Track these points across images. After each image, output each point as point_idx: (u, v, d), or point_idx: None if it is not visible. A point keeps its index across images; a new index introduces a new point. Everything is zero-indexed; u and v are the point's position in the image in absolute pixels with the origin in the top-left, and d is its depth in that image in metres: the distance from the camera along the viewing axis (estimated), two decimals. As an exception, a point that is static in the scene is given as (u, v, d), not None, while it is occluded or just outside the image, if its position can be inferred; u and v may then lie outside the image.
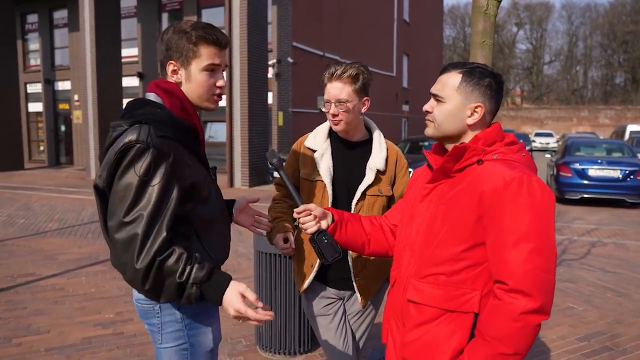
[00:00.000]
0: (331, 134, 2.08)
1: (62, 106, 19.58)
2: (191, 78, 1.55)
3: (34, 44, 20.06)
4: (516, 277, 1.22)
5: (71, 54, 18.62)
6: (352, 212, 1.98)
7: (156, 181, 1.36)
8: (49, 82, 19.55)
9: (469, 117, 1.38)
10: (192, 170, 1.48)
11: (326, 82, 1.94)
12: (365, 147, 2.04)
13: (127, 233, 1.33)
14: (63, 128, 19.81)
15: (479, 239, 1.30)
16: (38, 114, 20.14)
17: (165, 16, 16.80)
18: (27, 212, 9.07)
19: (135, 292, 1.56)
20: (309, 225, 1.62)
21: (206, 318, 1.58)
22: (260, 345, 3.40)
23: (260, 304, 1.35)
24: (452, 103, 1.39)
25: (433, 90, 1.43)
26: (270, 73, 14.89)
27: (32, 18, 19.94)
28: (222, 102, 14.83)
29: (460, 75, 1.38)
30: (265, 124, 13.82)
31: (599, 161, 10.28)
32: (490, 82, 1.37)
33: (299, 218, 1.64)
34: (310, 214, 1.62)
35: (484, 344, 1.26)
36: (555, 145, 30.39)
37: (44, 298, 4.45)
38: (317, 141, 2.05)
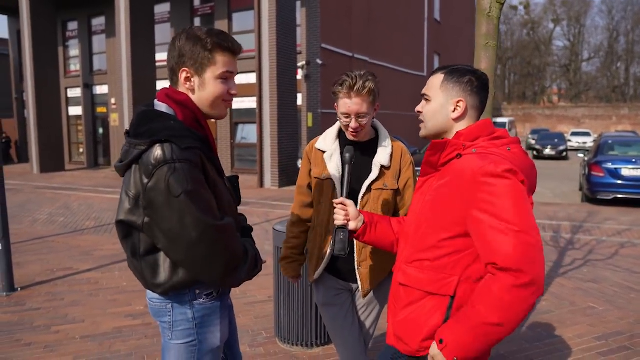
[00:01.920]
0: (340, 135, 2.21)
1: (100, 110, 20.34)
2: (205, 86, 1.55)
3: (74, 50, 20.91)
4: (503, 256, 1.29)
5: (108, 59, 19.33)
6: (359, 205, 2.09)
7: (191, 189, 1.41)
8: (87, 87, 20.35)
9: (453, 112, 1.51)
10: (214, 179, 1.53)
11: (343, 96, 2.01)
12: (371, 146, 2.17)
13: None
14: (101, 131, 20.57)
15: (459, 228, 1.41)
16: (78, 117, 20.99)
17: (197, 21, 17.25)
18: (66, 210, 9.53)
19: (148, 292, 1.64)
20: (338, 218, 1.76)
21: (215, 318, 1.64)
22: (280, 337, 3.54)
23: None
24: (437, 101, 1.53)
25: (423, 91, 1.59)
26: (300, 75, 15.08)
27: (72, 25, 20.80)
28: (253, 104, 15.16)
29: (443, 75, 1.53)
30: (294, 125, 14.02)
31: (634, 160, 9.99)
32: (470, 79, 1.50)
33: (335, 206, 1.78)
34: (344, 209, 1.76)
35: (470, 313, 1.33)
36: (592, 145, 29.48)
37: (80, 290, 4.74)
38: (327, 143, 2.18)
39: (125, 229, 1.53)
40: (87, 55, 20.33)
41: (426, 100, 1.57)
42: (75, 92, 20.86)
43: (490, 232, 1.32)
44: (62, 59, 20.42)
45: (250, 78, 15.09)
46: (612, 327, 3.83)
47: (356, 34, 17.96)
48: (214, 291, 1.63)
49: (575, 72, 60.60)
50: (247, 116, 15.90)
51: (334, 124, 2.28)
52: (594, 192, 10.18)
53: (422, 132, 1.61)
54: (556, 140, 25.37)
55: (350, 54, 17.70)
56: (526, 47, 61.55)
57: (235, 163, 16.66)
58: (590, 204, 10.43)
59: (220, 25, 16.27)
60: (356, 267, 2.14)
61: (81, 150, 21.29)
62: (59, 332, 3.75)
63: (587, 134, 32.91)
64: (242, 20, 16.05)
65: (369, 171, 2.12)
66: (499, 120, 35.01)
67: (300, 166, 2.17)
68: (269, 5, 12.91)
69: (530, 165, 1.49)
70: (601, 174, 10.07)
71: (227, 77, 1.57)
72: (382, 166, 2.12)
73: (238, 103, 16.29)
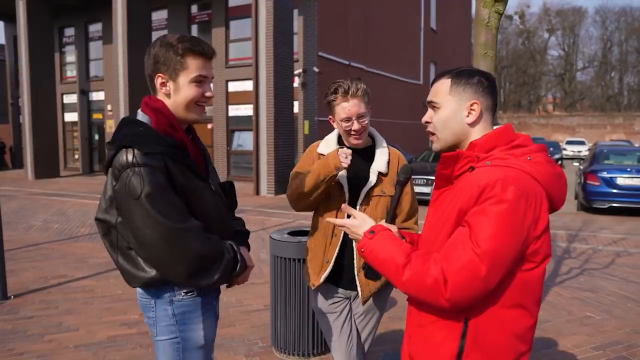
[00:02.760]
0: (339, 142, 2.22)
1: (96, 116, 20.29)
2: (180, 90, 1.61)
3: (71, 56, 20.88)
4: (449, 267, 1.23)
5: (105, 65, 19.31)
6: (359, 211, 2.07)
7: (149, 191, 1.47)
8: (84, 93, 20.30)
9: (467, 116, 1.39)
10: (184, 180, 1.56)
11: (340, 101, 2.05)
12: (369, 153, 2.19)
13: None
14: (97, 137, 20.51)
15: None
16: (73, 123, 20.92)
17: (194, 28, 17.27)
18: (61, 217, 9.47)
19: (138, 288, 1.69)
20: None
21: (196, 315, 1.67)
22: (276, 346, 3.51)
23: None
24: (448, 107, 1.40)
25: (428, 98, 1.46)
26: (296, 82, 15.11)
27: (69, 31, 20.78)
28: (249, 112, 15.15)
29: (450, 79, 1.41)
30: (290, 132, 14.03)
31: (629, 169, 10.05)
32: (479, 79, 1.38)
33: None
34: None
35: (390, 248, 1.36)
36: (587, 153, 29.67)
37: (74, 298, 4.69)
38: (329, 148, 2.20)
39: (104, 227, 1.63)
40: (84, 61, 20.30)
41: (434, 108, 1.43)
42: (71, 98, 20.81)
43: (460, 240, 1.25)
44: (58, 65, 20.37)
45: (247, 85, 15.10)
46: (609, 337, 3.82)
47: (353, 42, 18.03)
48: (195, 288, 1.66)
49: (570, 81, 61.12)
50: (244, 123, 15.89)
51: (330, 131, 2.29)
52: (590, 201, 10.22)
53: (436, 146, 1.46)
54: (551, 149, 25.56)
55: (347, 62, 17.76)
56: (521, 57, 62.07)
57: (231, 170, 16.62)
58: (585, 213, 10.46)
59: (218, 32, 16.31)
60: (356, 274, 2.13)
61: (76, 156, 21.20)
62: (52, 341, 3.70)
63: (582, 143, 33.15)
64: (239, 28, 16.08)
65: (367, 178, 2.13)
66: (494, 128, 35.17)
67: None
68: (266, 13, 12.95)
69: (557, 175, 1.35)
70: (597, 183, 10.12)
71: (201, 81, 1.62)
72: (379, 173, 2.14)
73: (234, 110, 16.29)
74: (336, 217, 2.10)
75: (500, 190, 1.22)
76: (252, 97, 13.28)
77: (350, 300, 2.26)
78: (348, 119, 2.05)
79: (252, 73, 13.33)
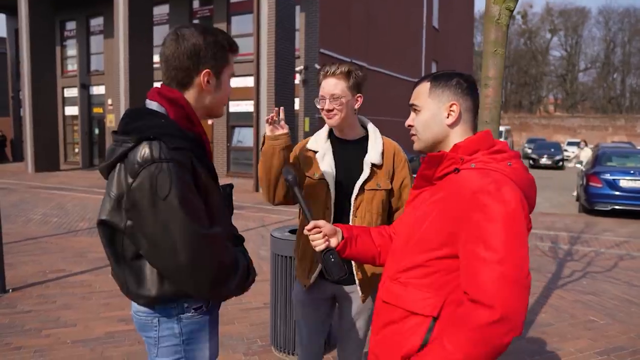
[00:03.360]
0: (330, 135, 2.16)
1: (97, 110, 20.24)
2: (221, 87, 1.50)
3: (72, 50, 20.84)
4: (477, 288, 1.19)
5: (106, 59, 19.25)
6: (352, 207, 2.04)
7: (179, 191, 1.31)
8: (84, 87, 20.26)
9: (447, 117, 1.42)
10: (202, 186, 1.41)
11: (321, 80, 2.02)
12: (362, 144, 2.11)
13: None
14: (97, 131, 20.46)
15: (449, 248, 1.29)
16: (74, 117, 20.88)
17: (196, 23, 17.21)
18: (60, 211, 9.42)
19: (134, 304, 1.52)
20: (318, 243, 1.65)
21: (204, 334, 1.54)
22: (275, 345, 3.47)
23: None
24: (428, 109, 1.44)
25: (410, 101, 1.49)
26: (297, 79, 15.05)
27: (71, 25, 20.73)
28: (250, 107, 15.10)
29: (429, 82, 1.44)
30: (291, 129, 13.94)
31: (632, 172, 10.00)
32: (458, 81, 1.41)
33: (308, 235, 1.67)
34: (320, 232, 1.65)
35: (438, 349, 1.23)
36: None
37: (72, 293, 4.65)
38: (319, 143, 2.13)
39: (108, 231, 1.42)
40: (85, 55, 20.25)
41: (415, 110, 1.47)
42: (71, 92, 20.76)
43: (474, 258, 1.22)
44: (59, 59, 20.31)
45: (248, 81, 15.04)
46: (613, 342, 3.78)
47: (355, 39, 17.97)
48: (204, 304, 1.51)
49: (572, 82, 61.02)
50: (244, 119, 15.85)
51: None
52: (592, 203, 10.17)
53: (417, 145, 1.49)
54: (552, 150, 25.50)
55: (349, 60, 17.69)
56: (523, 57, 61.94)
57: (230, 166, 16.58)
58: (587, 215, 10.41)
59: (219, 28, 16.25)
60: (355, 272, 2.08)
61: (76, 150, 21.16)
62: (49, 336, 3.66)
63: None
64: (240, 24, 16.03)
65: (360, 171, 2.05)
66: (496, 128, 35.13)
67: None
68: (268, 9, 12.88)
69: (530, 181, 1.38)
70: (599, 185, 10.07)
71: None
72: (373, 165, 2.06)
73: (235, 106, 16.24)
74: (323, 216, 2.05)
75: (500, 191, 1.24)
76: (253, 93, 13.21)
77: (337, 297, 2.20)
78: (322, 98, 2.01)
79: (253, 69, 13.27)
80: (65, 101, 21.03)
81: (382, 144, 2.10)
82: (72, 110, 20.91)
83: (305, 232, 1.68)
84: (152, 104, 1.44)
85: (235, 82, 16.10)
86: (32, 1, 16.99)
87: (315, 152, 2.11)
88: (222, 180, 11.26)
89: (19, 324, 3.87)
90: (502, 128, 35.24)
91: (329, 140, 2.13)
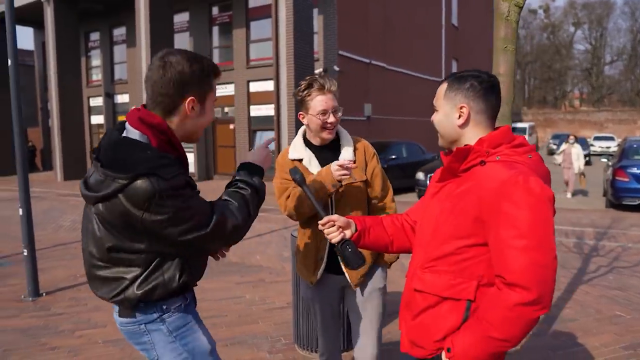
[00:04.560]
0: (306, 143, 2.29)
1: (121, 118, 20.54)
2: (204, 113, 1.55)
3: (96, 60, 21.38)
4: (512, 272, 1.31)
5: (129, 68, 19.69)
6: (333, 201, 2.19)
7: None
8: (109, 96, 20.75)
9: (458, 118, 1.51)
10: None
11: (317, 94, 2.11)
12: (335, 145, 2.27)
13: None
14: (122, 139, 20.92)
15: (478, 237, 1.40)
16: (99, 125, 21.41)
17: (215, 29, 17.47)
18: (89, 217, 9.69)
19: (117, 317, 1.61)
20: (333, 236, 1.72)
21: (192, 325, 1.63)
22: (299, 343, 3.54)
23: None
24: (443, 110, 1.55)
25: (434, 101, 1.61)
26: (317, 82, 15.12)
27: (94, 36, 21.28)
28: (271, 111, 15.24)
29: (446, 84, 1.55)
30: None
31: (659, 165, 9.77)
32: (472, 84, 1.49)
33: (323, 229, 1.74)
34: (334, 225, 1.72)
35: (477, 325, 1.36)
36: (617, 149, 28.90)
37: (102, 296, 4.80)
38: (299, 152, 2.27)
39: (116, 255, 1.50)
40: (109, 65, 20.75)
41: (435, 110, 1.59)
42: (97, 101, 21.30)
43: (506, 246, 1.33)
44: (84, 69, 20.87)
45: (268, 86, 15.20)
46: (639, 336, 3.73)
47: (373, 40, 17.97)
48: (182, 302, 1.61)
49: (598, 75, 59.49)
50: (265, 123, 16.00)
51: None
52: (619, 198, 9.97)
53: (440, 142, 1.62)
54: (533, 143, 24.92)
55: (368, 61, 17.71)
56: (546, 51, 60.73)
57: (253, 170, 16.75)
58: (614, 210, 10.21)
59: (238, 33, 16.46)
60: (340, 261, 2.17)
61: (103, 158, 21.66)
62: (82, 337, 3.81)
63: (610, 139, 32.28)
64: (259, 29, 16.20)
65: None
66: (519, 125, 34.53)
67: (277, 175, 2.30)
68: (286, 13, 13.01)
69: (547, 173, 1.49)
70: (626, 179, 9.87)
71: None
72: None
73: (255, 110, 16.42)
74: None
75: (528, 182, 1.34)
76: (273, 97, 13.35)
77: (345, 288, 2.33)
78: (324, 112, 2.11)
79: (273, 73, 13.41)
80: (91, 110, 21.58)
81: (354, 144, 2.26)
82: (97, 119, 21.45)
83: (320, 226, 1.75)
84: (134, 132, 1.48)
85: (255, 87, 16.29)
86: (58, 14, 17.53)
87: (300, 160, 2.24)
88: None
89: (53, 326, 4.03)
90: (525, 124, 34.68)
91: (307, 148, 2.26)
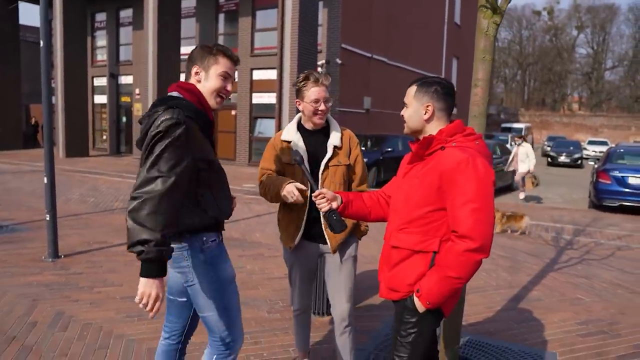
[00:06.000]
0: (298, 127, 2.73)
1: (124, 99, 21.03)
2: (208, 79, 2.04)
3: (102, 41, 21.64)
4: (463, 227, 1.78)
5: (134, 50, 19.99)
6: (319, 180, 2.61)
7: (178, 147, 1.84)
8: (113, 76, 21.06)
9: (424, 114, 1.98)
10: (205, 148, 1.98)
11: (312, 86, 2.57)
12: (325, 132, 2.72)
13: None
14: (124, 119, 21.27)
15: (440, 204, 1.88)
16: (102, 105, 21.73)
17: (222, 17, 17.79)
18: (95, 192, 10.13)
19: None
20: (323, 206, 2.16)
21: (224, 256, 2.12)
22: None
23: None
24: (412, 106, 2.01)
25: (404, 99, 2.06)
26: (319, 73, 15.51)
27: (101, 17, 21.52)
28: (272, 99, 15.65)
29: (416, 86, 2.01)
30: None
31: (641, 169, 10.26)
32: (436, 88, 1.96)
33: (315, 200, 2.19)
34: (324, 197, 2.17)
35: (438, 270, 1.85)
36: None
37: (115, 260, 5.27)
38: (290, 134, 2.71)
39: None
40: (114, 46, 21.02)
41: (405, 106, 2.04)
42: (101, 81, 21.59)
43: (458, 208, 1.79)
44: (89, 49, 21.13)
45: (271, 74, 15.58)
46: (594, 315, 4.23)
47: (376, 35, 18.34)
48: (217, 238, 2.08)
49: (598, 80, 59.94)
50: (266, 111, 16.40)
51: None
52: (600, 199, 10.48)
53: (405, 130, 2.10)
54: (571, 148, 25.42)
55: (369, 55, 18.10)
56: (548, 53, 61.08)
57: (252, 156, 17.17)
58: (596, 210, 10.71)
59: (244, 22, 16.79)
60: (323, 229, 2.63)
61: (104, 137, 22.02)
62: (101, 293, 4.27)
63: (604, 144, 32.75)
64: (265, 18, 16.55)
65: (325, 152, 2.66)
66: (515, 125, 35.03)
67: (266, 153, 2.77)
68: (292, 5, 13.38)
69: (490, 155, 1.97)
70: (608, 181, 10.38)
71: (225, 77, 2.05)
72: (335, 146, 2.67)
73: (257, 98, 16.80)
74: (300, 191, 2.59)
75: (476, 161, 1.81)
76: (276, 86, 13.75)
77: (322, 255, 2.75)
78: (317, 100, 2.56)
79: (276, 62, 13.79)
80: (95, 90, 21.88)
81: (340, 131, 2.71)
82: (101, 99, 21.76)
83: (313, 198, 2.20)
84: (173, 93, 2.03)
85: (259, 75, 16.66)
86: (67, -7, 17.77)
87: (289, 142, 2.68)
88: (243, 170, 11.84)
89: (74, 283, 4.49)
90: (522, 125, 35.19)
91: (298, 132, 2.70)
